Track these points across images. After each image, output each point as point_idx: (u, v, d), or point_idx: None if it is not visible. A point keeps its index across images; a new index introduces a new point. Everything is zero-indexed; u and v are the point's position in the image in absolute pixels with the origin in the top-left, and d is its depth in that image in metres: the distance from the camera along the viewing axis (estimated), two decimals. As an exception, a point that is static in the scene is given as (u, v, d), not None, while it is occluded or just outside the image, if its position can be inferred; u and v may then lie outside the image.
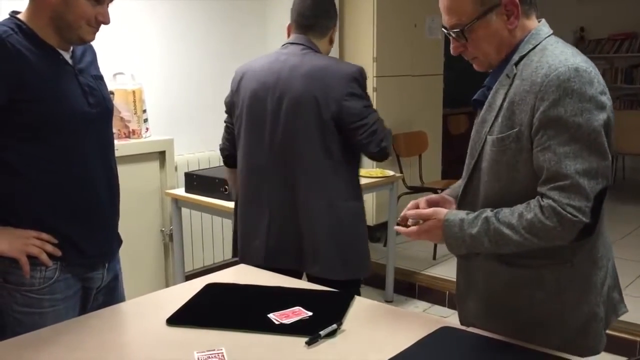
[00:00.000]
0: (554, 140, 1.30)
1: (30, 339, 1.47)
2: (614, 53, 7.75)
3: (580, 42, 8.02)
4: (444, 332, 1.44)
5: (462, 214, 1.42)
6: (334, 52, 4.60)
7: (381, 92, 4.70)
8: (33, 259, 1.60)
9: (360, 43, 4.70)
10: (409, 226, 1.52)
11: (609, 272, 1.51)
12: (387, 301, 3.86)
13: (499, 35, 1.41)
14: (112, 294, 1.83)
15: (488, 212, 1.38)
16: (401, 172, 4.48)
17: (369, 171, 3.79)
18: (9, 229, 1.60)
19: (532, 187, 1.36)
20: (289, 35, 2.29)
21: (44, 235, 1.62)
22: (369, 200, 4.72)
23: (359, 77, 2.19)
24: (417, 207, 1.55)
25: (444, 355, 1.35)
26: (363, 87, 2.20)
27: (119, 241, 1.87)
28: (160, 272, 3.65)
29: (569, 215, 1.28)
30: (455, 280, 1.63)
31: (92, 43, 1.73)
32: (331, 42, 2.31)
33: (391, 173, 3.80)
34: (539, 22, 1.45)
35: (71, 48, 1.68)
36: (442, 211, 1.45)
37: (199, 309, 1.62)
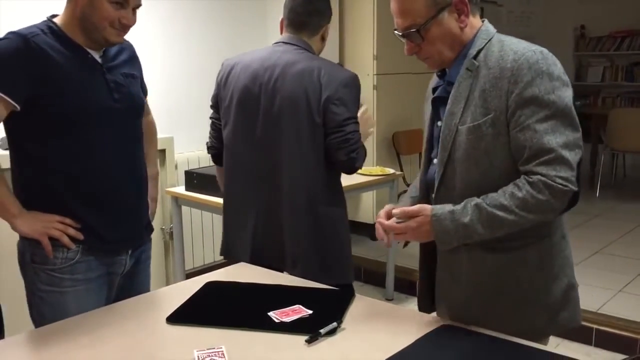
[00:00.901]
0: (532, 119, 1.38)
1: (27, 337, 1.48)
2: (615, 51, 7.75)
3: (581, 39, 8.02)
4: (443, 331, 1.44)
5: (448, 206, 1.44)
6: (334, 50, 4.61)
7: (381, 89, 4.70)
8: (56, 241, 1.71)
9: (360, 41, 4.70)
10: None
11: (570, 246, 1.60)
12: (388, 299, 3.86)
13: (451, 33, 1.48)
14: (131, 280, 1.90)
15: (476, 200, 1.42)
16: (401, 170, 4.49)
17: (369, 169, 3.79)
18: (34, 213, 1.72)
19: (510, 171, 1.42)
20: (281, 31, 2.27)
21: (68, 220, 1.72)
22: (369, 198, 4.73)
23: (352, 84, 2.14)
24: (389, 215, 1.56)
25: (443, 353, 1.35)
26: (354, 95, 2.14)
27: (148, 230, 1.95)
28: (160, 270, 3.66)
29: (559, 186, 1.36)
30: None
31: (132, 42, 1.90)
32: (323, 39, 2.26)
33: (391, 171, 3.79)
34: (482, 21, 1.52)
35: (103, 48, 1.77)
36: (427, 207, 1.46)
37: (199, 307, 1.63)
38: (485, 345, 1.38)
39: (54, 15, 1.76)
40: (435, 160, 1.56)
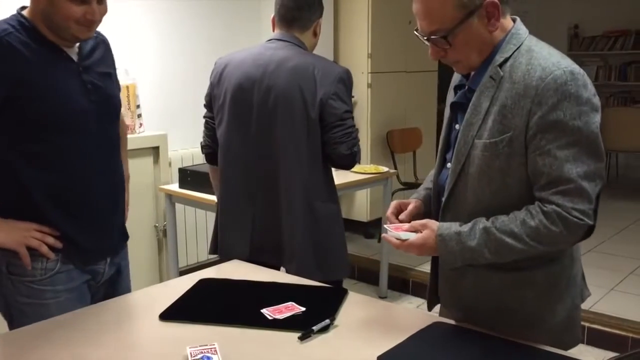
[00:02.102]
0: (553, 144, 1.29)
1: (20, 336, 1.47)
2: (608, 50, 7.77)
3: (575, 39, 8.04)
4: (436, 327, 1.45)
5: (455, 226, 1.38)
6: (329, 48, 4.60)
7: (376, 88, 4.70)
8: (34, 251, 1.63)
9: (355, 39, 4.70)
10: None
11: (581, 261, 1.55)
12: (381, 297, 3.87)
13: (480, 38, 1.37)
14: (113, 288, 1.85)
15: (485, 222, 1.36)
16: (395, 169, 4.49)
17: (363, 167, 3.80)
18: (10, 221, 1.63)
19: (523, 191, 1.36)
20: (273, 28, 2.27)
21: (46, 229, 1.64)
22: (363, 196, 4.73)
23: (346, 78, 2.15)
24: (399, 208, 1.55)
25: (435, 349, 1.35)
26: (349, 90, 2.16)
27: (123, 236, 1.89)
28: (154, 267, 3.65)
29: (575, 219, 1.29)
30: None
31: (107, 36, 1.79)
32: (315, 35, 2.26)
33: (385, 169, 3.80)
34: (513, 21, 1.43)
35: (77, 44, 1.68)
36: (433, 224, 1.41)
37: (192, 304, 1.62)
38: (478, 341, 1.38)
39: (24, 7, 1.64)
40: (448, 165, 1.49)
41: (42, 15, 1.59)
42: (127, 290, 1.91)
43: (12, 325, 1.67)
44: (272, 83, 2.13)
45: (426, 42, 1.42)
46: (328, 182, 2.24)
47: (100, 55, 1.77)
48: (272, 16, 2.26)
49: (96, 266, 1.77)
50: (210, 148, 2.38)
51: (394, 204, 1.57)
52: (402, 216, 1.55)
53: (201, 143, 2.43)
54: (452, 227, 1.39)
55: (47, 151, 1.63)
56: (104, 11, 1.63)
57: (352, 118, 2.17)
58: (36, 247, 1.62)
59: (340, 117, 2.11)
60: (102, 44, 1.80)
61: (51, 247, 1.64)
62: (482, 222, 1.36)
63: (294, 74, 2.11)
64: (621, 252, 4.45)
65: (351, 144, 2.13)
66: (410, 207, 1.56)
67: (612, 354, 2.76)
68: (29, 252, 1.62)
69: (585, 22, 7.91)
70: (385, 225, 1.53)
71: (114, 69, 1.84)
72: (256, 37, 4.30)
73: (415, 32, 1.43)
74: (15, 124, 1.59)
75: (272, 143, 2.17)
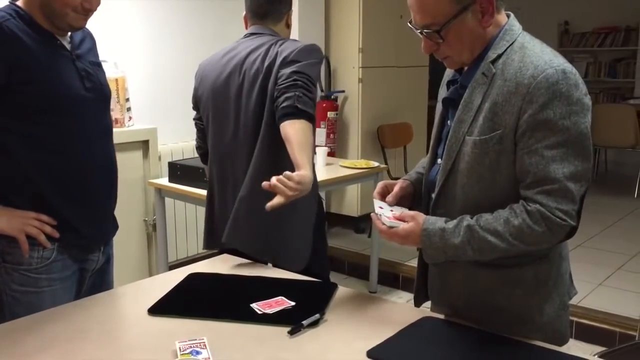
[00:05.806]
0: (542, 144, 1.29)
1: (8, 329, 1.46)
2: (598, 47, 7.81)
3: (565, 35, 8.08)
4: (425, 322, 1.45)
5: (440, 222, 1.38)
6: (320, 43, 4.60)
7: (367, 83, 4.70)
8: (32, 239, 1.64)
9: (346, 34, 4.69)
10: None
11: (569, 259, 1.55)
12: (371, 292, 3.87)
13: (472, 34, 1.36)
14: (102, 277, 1.88)
15: (469, 220, 1.36)
16: (386, 164, 4.49)
17: (354, 162, 3.80)
18: (9, 209, 1.65)
19: (512, 188, 1.36)
20: (246, 26, 2.28)
21: (44, 217, 1.66)
22: (354, 191, 4.74)
23: (310, 48, 2.08)
24: (385, 190, 1.55)
25: (425, 344, 1.36)
26: (313, 60, 2.06)
27: (115, 226, 1.91)
28: (143, 262, 3.63)
29: (558, 219, 1.29)
30: None
31: (92, 31, 1.84)
32: (288, 26, 2.28)
33: (376, 164, 3.80)
34: (507, 16, 1.42)
35: (69, 34, 1.72)
36: (421, 217, 1.41)
37: (181, 298, 1.62)
38: (468, 336, 1.39)
39: None
40: (439, 160, 1.48)
41: (41, 3, 1.63)
42: (111, 281, 1.94)
43: (3, 312, 1.68)
44: (243, 74, 2.14)
45: (419, 35, 1.41)
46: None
47: (89, 46, 1.82)
48: (243, 14, 2.27)
49: (91, 255, 1.80)
50: (202, 149, 2.40)
51: (380, 184, 1.57)
52: (388, 198, 1.54)
53: (195, 144, 2.45)
54: (437, 222, 1.39)
55: (46, 134, 1.65)
56: (99, 2, 1.68)
57: (311, 83, 2.03)
58: (35, 235, 1.63)
59: (288, 76, 2.00)
60: (89, 37, 1.85)
61: (48, 236, 1.66)
62: (466, 220, 1.36)
63: (262, 55, 2.12)
64: (609, 247, 4.48)
65: (292, 95, 1.95)
66: (395, 189, 1.55)
67: (601, 349, 2.78)
68: (26, 240, 1.63)
69: (576, 19, 7.94)
70: (374, 200, 1.52)
71: (100, 61, 1.88)
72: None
73: (408, 24, 1.42)
74: (15, 107, 1.62)
75: (250, 135, 2.16)
